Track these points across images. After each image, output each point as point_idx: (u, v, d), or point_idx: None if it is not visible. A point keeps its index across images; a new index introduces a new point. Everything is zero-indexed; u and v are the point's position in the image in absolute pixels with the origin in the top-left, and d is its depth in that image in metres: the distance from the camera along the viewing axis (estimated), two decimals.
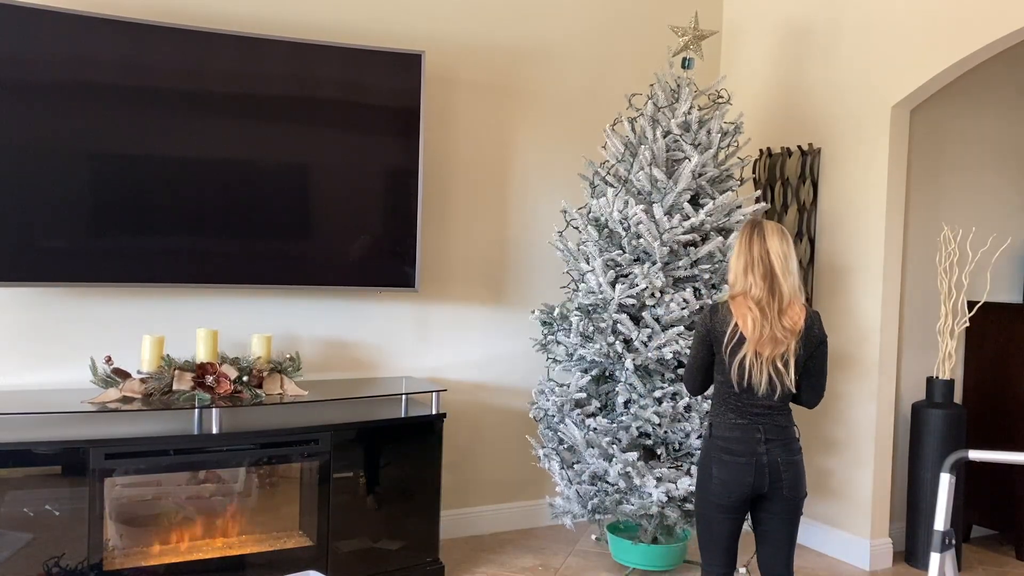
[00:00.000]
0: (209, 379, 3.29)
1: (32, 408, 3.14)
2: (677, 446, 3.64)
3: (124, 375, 3.28)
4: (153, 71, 3.42)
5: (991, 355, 4.43)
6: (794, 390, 2.72)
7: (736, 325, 2.65)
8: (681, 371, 3.60)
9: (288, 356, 3.59)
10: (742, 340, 2.64)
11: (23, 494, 2.96)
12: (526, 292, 4.43)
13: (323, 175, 3.75)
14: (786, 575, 2.81)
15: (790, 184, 4.48)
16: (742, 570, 3.98)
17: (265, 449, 3.36)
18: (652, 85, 3.84)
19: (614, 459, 3.51)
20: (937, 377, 4.15)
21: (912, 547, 4.15)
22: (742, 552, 4.21)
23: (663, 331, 3.55)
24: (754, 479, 2.69)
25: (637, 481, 3.48)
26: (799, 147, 4.42)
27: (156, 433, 3.19)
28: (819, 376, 2.80)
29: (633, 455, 3.47)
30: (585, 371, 3.78)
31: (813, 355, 2.74)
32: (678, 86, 3.82)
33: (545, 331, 3.89)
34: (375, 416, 3.59)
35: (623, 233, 3.62)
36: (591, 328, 3.60)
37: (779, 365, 2.64)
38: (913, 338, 4.27)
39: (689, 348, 2.82)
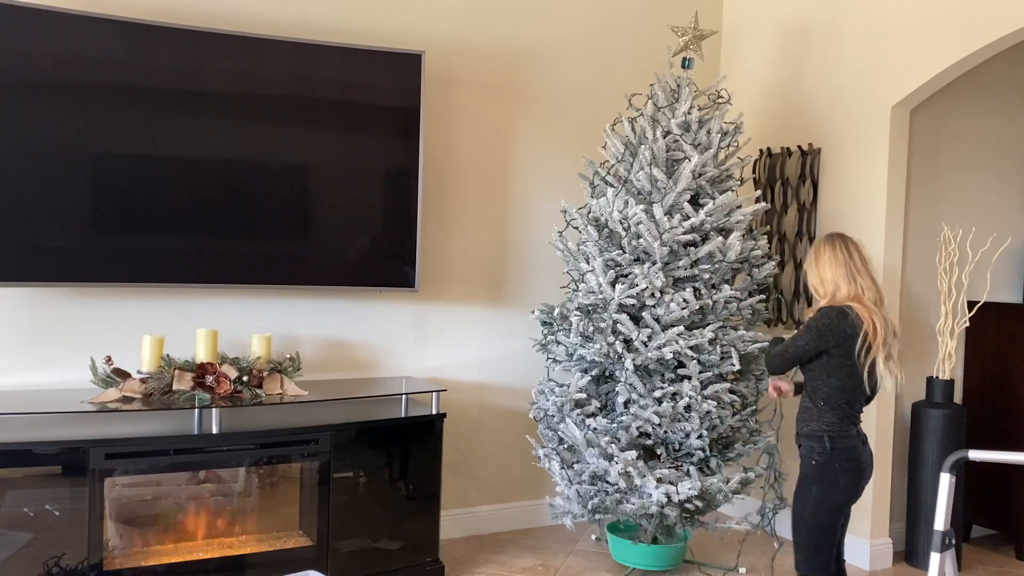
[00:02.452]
0: (209, 379, 3.29)
1: (32, 408, 3.14)
2: (677, 446, 3.64)
3: (124, 375, 3.28)
4: (153, 71, 3.42)
5: (991, 355, 4.43)
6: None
7: (866, 331, 2.81)
8: (681, 371, 3.60)
9: (288, 356, 3.59)
10: (871, 346, 2.82)
11: (23, 494, 2.96)
12: (526, 292, 4.43)
13: (323, 175, 3.75)
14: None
15: (790, 184, 4.48)
16: (742, 570, 3.98)
17: (265, 449, 3.36)
18: (652, 85, 3.84)
19: (614, 459, 3.51)
20: (937, 377, 4.15)
21: (912, 547, 4.15)
22: (741, 553, 4.22)
23: (663, 331, 3.55)
24: (865, 479, 2.94)
25: (638, 481, 3.48)
26: (799, 147, 4.42)
27: (156, 433, 3.19)
28: None
29: (632, 454, 3.47)
30: (585, 371, 3.78)
31: None
32: (678, 86, 3.82)
33: (545, 331, 3.89)
34: (375, 416, 3.59)
35: (623, 233, 3.62)
36: (591, 328, 3.60)
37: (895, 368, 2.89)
38: (913, 338, 4.27)
39: (796, 339, 2.93)
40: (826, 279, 2.93)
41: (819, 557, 2.97)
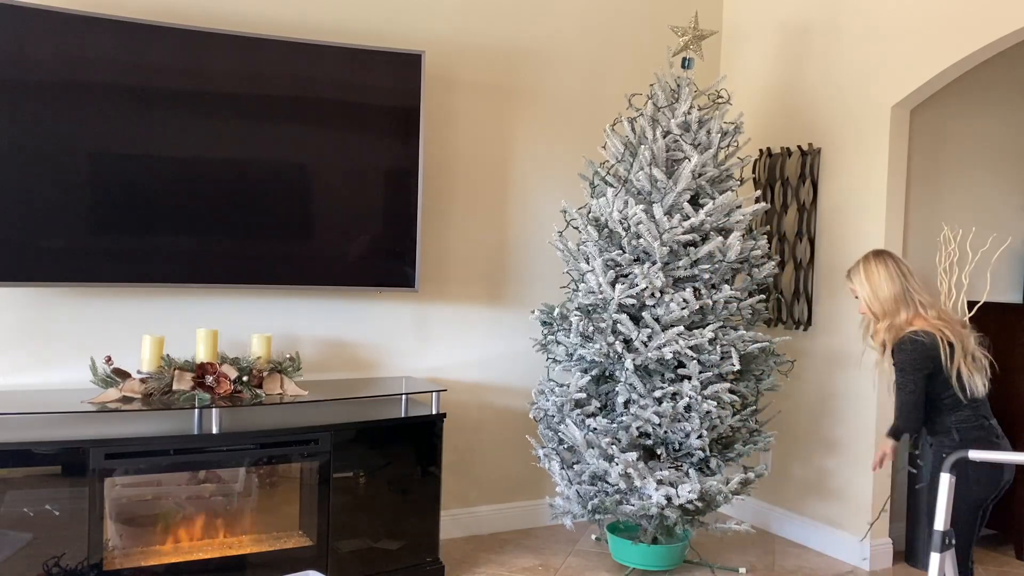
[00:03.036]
0: (209, 379, 3.30)
1: (32, 408, 3.14)
2: (677, 446, 3.64)
3: (124, 375, 3.28)
4: (153, 71, 3.42)
5: (991, 355, 4.42)
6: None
7: (943, 343, 2.90)
8: (681, 371, 3.60)
9: (288, 356, 3.60)
10: (954, 354, 2.91)
11: (23, 494, 2.96)
12: (526, 292, 4.43)
13: (323, 175, 3.75)
14: None
15: (790, 184, 4.48)
16: (742, 570, 3.99)
17: (265, 449, 3.36)
18: (652, 85, 3.84)
19: (614, 460, 3.51)
20: None
21: (912, 547, 4.15)
22: (745, 552, 4.22)
23: (663, 331, 3.55)
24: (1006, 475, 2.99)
25: (638, 483, 3.48)
26: (799, 147, 4.42)
27: (156, 433, 3.19)
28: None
29: (632, 455, 3.47)
30: (585, 371, 3.78)
31: None
32: (678, 86, 3.82)
33: (545, 331, 3.89)
34: (375, 416, 3.59)
35: (623, 233, 3.62)
36: (591, 328, 3.60)
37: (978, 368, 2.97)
38: None
39: (903, 388, 2.96)
40: (885, 299, 2.99)
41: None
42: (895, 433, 3.05)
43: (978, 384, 2.95)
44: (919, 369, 2.92)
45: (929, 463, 3.05)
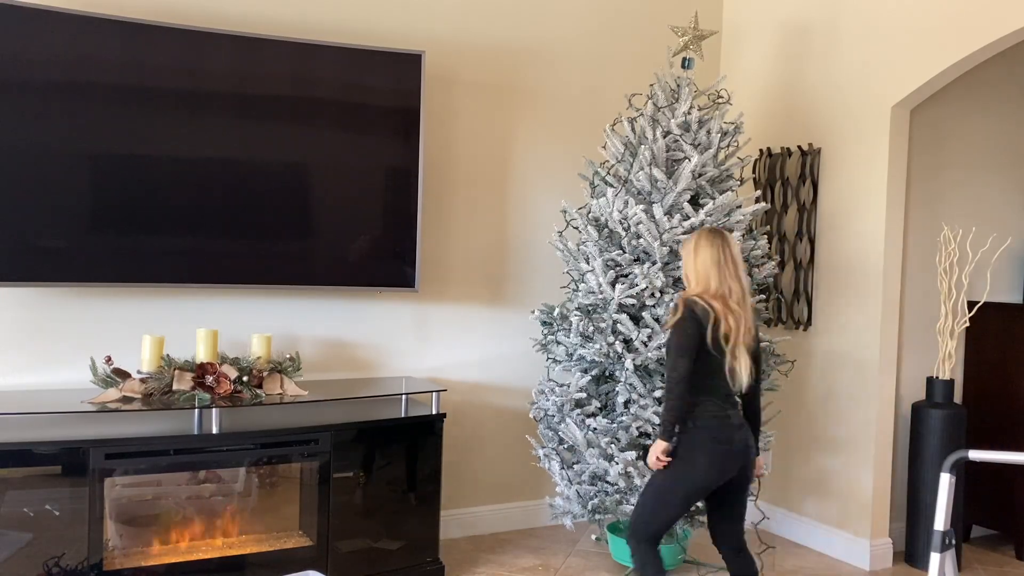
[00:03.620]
0: (209, 379, 3.29)
1: (32, 408, 3.14)
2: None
3: (124, 375, 3.28)
4: (153, 71, 3.42)
5: (991, 355, 4.43)
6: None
7: (717, 321, 2.82)
8: None
9: (288, 356, 3.59)
10: (727, 336, 2.83)
11: (23, 494, 2.96)
12: (526, 292, 4.43)
13: (323, 175, 3.75)
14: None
15: (790, 184, 4.48)
16: None
17: (265, 449, 3.36)
18: (652, 85, 3.84)
19: (614, 459, 3.51)
20: (937, 377, 4.15)
21: (912, 547, 4.15)
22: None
23: (663, 331, 3.55)
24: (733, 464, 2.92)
25: (637, 481, 3.48)
26: (799, 147, 4.42)
27: (156, 433, 3.19)
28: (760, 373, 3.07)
29: (632, 454, 3.47)
30: (585, 371, 3.78)
31: (758, 352, 3.02)
32: (678, 86, 3.82)
33: (545, 331, 3.89)
34: (375, 416, 3.59)
35: (623, 233, 3.62)
36: (591, 328, 3.60)
37: (749, 359, 2.89)
38: (913, 338, 4.27)
39: (672, 354, 2.87)
40: (700, 273, 2.91)
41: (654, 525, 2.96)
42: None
43: (744, 377, 2.88)
44: (687, 334, 2.85)
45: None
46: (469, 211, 4.29)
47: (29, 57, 3.21)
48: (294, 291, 3.85)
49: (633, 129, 3.84)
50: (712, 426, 2.86)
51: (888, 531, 4.15)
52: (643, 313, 3.57)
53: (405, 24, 4.09)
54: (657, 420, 3.50)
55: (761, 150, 4.63)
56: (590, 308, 3.71)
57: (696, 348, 2.83)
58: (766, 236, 3.96)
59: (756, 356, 2.99)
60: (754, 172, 4.65)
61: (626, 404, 3.63)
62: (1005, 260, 4.53)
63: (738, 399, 2.97)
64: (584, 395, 3.69)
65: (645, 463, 3.35)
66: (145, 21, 3.41)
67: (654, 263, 3.59)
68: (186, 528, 3.46)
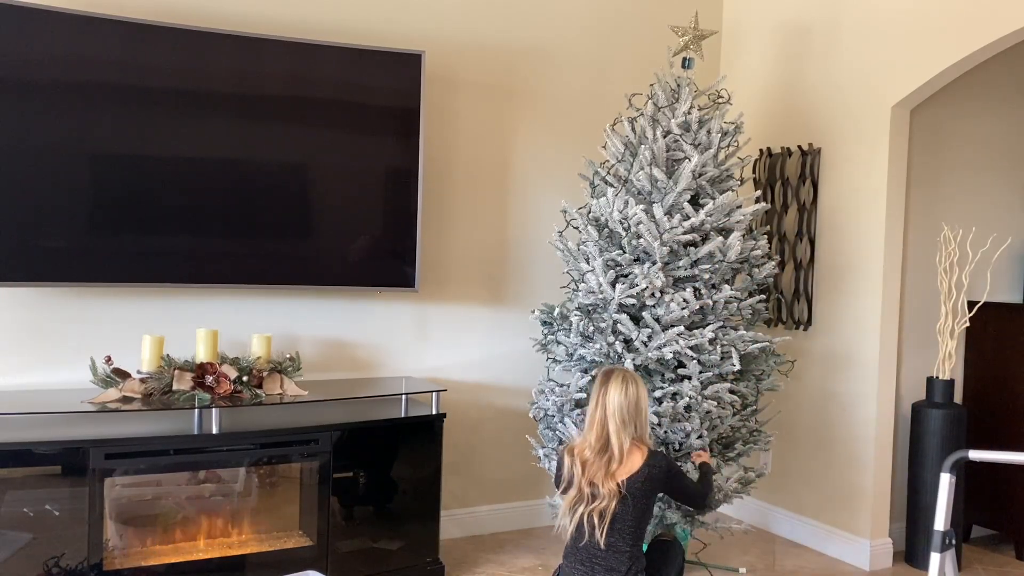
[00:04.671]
0: (209, 379, 3.29)
1: (32, 408, 3.14)
2: (677, 446, 3.64)
3: (124, 375, 3.28)
4: (153, 71, 3.42)
5: (991, 355, 4.43)
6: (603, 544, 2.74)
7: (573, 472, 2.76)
8: (681, 371, 3.60)
9: (288, 356, 3.59)
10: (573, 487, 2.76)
11: (23, 494, 2.96)
12: (526, 292, 4.43)
13: (323, 175, 3.75)
14: None
15: (790, 184, 4.48)
16: (742, 570, 3.99)
17: (265, 449, 3.36)
18: (652, 85, 3.83)
19: None
20: (937, 377, 4.15)
21: (912, 547, 4.15)
22: (745, 552, 4.22)
23: (663, 331, 3.55)
24: None
25: None
26: (799, 147, 4.42)
27: (156, 433, 3.19)
28: (687, 496, 3.00)
29: None
30: (585, 371, 3.78)
31: (668, 487, 2.90)
32: (678, 86, 3.81)
33: (545, 331, 3.89)
34: (375, 416, 3.59)
35: (623, 233, 3.62)
36: (591, 328, 3.60)
37: (596, 519, 2.72)
38: (913, 338, 4.27)
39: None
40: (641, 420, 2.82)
41: None
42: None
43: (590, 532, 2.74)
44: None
45: None
46: (469, 211, 4.29)
47: (29, 57, 3.21)
48: (294, 291, 3.85)
49: (633, 129, 3.83)
50: None
51: (888, 531, 4.15)
52: (643, 313, 3.57)
53: (405, 24, 4.09)
54: (657, 421, 3.50)
55: (761, 150, 4.63)
56: (590, 308, 3.71)
57: None
58: (766, 236, 3.95)
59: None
60: (754, 172, 4.66)
61: None
62: (1005, 260, 4.53)
63: None
64: (584, 395, 3.68)
65: None
66: (145, 21, 3.41)
67: (654, 263, 3.59)
68: (186, 528, 3.46)
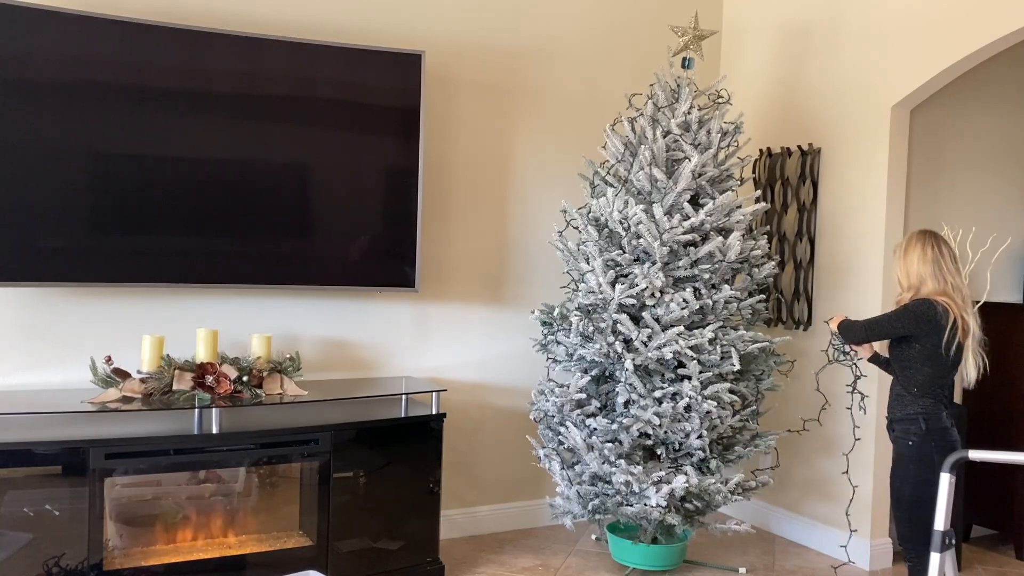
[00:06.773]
0: (209, 379, 3.29)
1: (32, 408, 3.14)
2: (677, 446, 3.65)
3: (124, 375, 3.28)
4: (153, 71, 3.42)
5: (991, 355, 4.41)
6: None
7: (955, 320, 2.97)
8: (681, 371, 3.60)
9: (288, 356, 3.59)
10: (960, 339, 2.99)
11: (23, 494, 2.96)
12: (526, 292, 4.43)
13: (323, 175, 3.75)
14: None
15: (790, 184, 4.48)
16: (742, 570, 3.99)
17: (265, 449, 3.36)
18: (652, 85, 3.84)
19: (615, 463, 3.50)
20: None
21: None
22: (745, 552, 4.22)
23: (663, 331, 3.55)
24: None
25: (637, 488, 3.47)
26: (799, 147, 4.42)
27: (156, 433, 3.19)
28: None
29: (638, 468, 3.46)
30: (585, 371, 3.78)
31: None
32: (678, 86, 3.82)
33: (545, 331, 3.89)
34: (375, 416, 3.59)
35: (623, 233, 3.62)
36: (591, 328, 3.60)
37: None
38: None
39: (888, 317, 3.09)
40: (912, 273, 3.07)
41: (919, 531, 3.04)
42: (848, 331, 3.22)
43: (972, 376, 3.07)
44: (917, 322, 3.00)
45: (895, 450, 3.13)
46: (469, 211, 4.29)
47: (29, 57, 3.21)
48: (294, 291, 3.85)
49: (633, 129, 3.84)
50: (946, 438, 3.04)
51: (888, 531, 4.15)
52: (643, 313, 3.57)
53: (405, 24, 4.09)
54: (657, 421, 3.49)
55: (761, 150, 4.63)
56: (590, 308, 3.71)
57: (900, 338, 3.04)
58: (766, 236, 3.96)
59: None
60: (754, 172, 4.66)
61: (626, 404, 3.63)
62: (1005, 260, 4.53)
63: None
64: (584, 395, 3.69)
65: (644, 468, 3.36)
66: (145, 21, 3.41)
67: (654, 263, 3.59)
68: (186, 528, 3.46)
